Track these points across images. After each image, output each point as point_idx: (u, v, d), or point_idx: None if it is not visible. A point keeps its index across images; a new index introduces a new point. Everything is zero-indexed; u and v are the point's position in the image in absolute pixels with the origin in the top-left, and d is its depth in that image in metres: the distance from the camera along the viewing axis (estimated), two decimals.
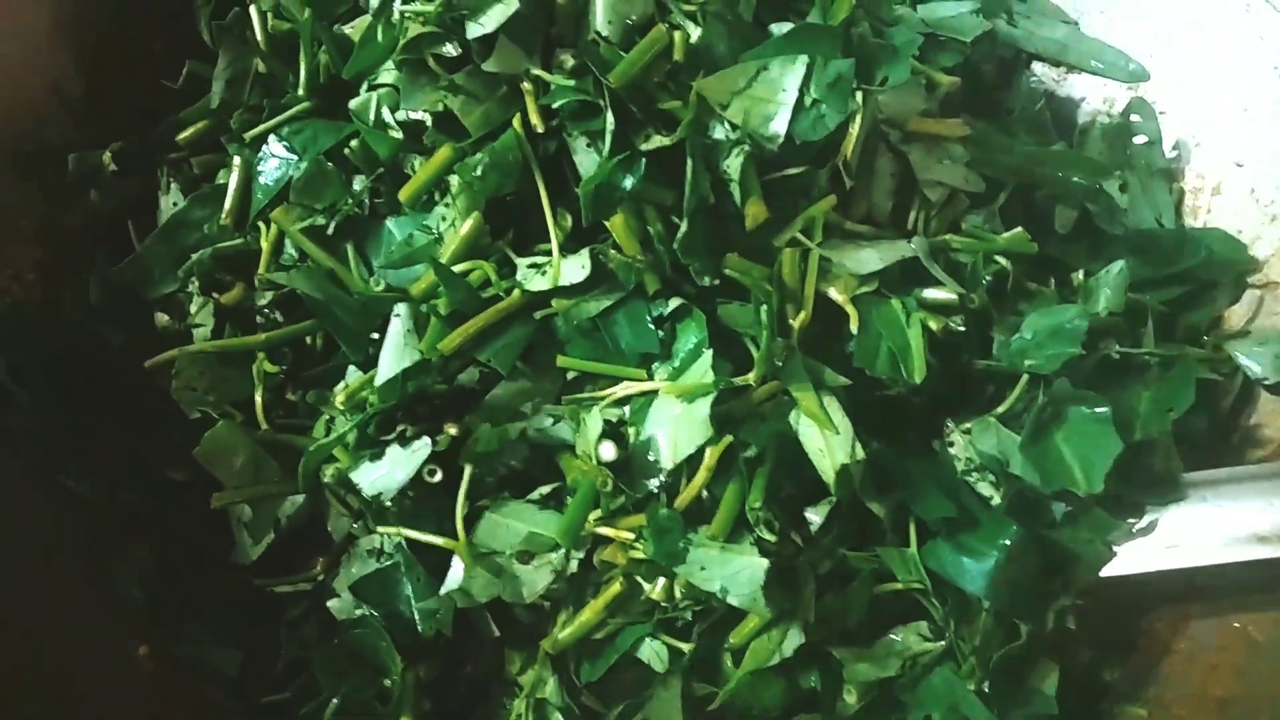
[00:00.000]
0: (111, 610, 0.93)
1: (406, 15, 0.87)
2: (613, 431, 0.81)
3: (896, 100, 0.91)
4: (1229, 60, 1.08)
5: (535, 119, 0.84)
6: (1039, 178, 1.02)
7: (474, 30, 0.82)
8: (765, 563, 0.79)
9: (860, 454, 0.79)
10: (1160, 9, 1.12)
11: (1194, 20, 1.10)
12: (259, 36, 0.99)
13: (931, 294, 0.87)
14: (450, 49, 0.84)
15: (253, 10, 0.99)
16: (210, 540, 0.96)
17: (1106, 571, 0.89)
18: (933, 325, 0.83)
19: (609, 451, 0.80)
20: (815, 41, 0.83)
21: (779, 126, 0.81)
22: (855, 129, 0.84)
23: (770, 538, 0.79)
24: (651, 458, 0.81)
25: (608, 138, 0.79)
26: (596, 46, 0.81)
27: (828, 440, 0.79)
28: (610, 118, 0.79)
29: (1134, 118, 1.12)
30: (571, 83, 0.81)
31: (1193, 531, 0.89)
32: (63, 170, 0.99)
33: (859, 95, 0.83)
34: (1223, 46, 1.08)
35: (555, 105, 0.82)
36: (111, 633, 0.93)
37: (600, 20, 0.83)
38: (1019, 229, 0.92)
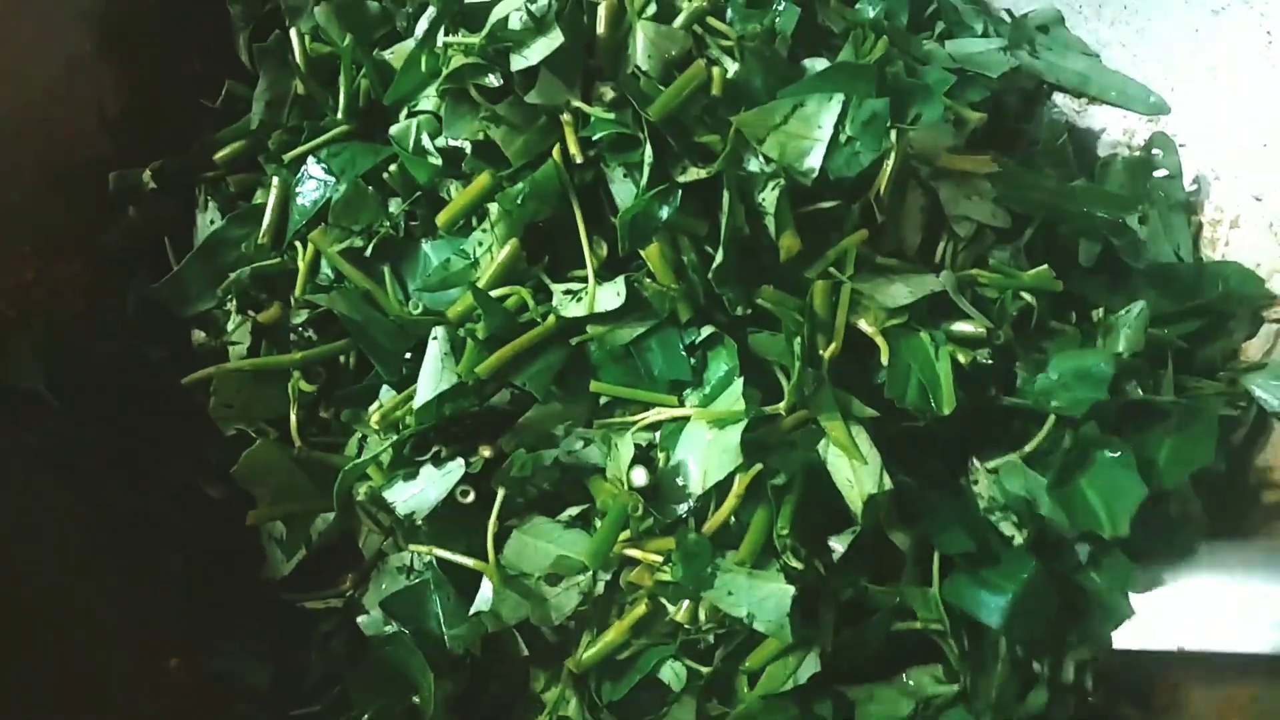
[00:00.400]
0: (144, 623, 0.95)
1: (450, 46, 0.89)
2: (643, 457, 0.83)
3: (927, 137, 0.93)
4: (1249, 95, 1.09)
5: (575, 150, 0.85)
6: (1064, 213, 1.04)
7: (518, 63, 0.83)
8: (792, 590, 0.80)
9: (888, 484, 0.80)
10: (1181, 44, 1.13)
11: (1215, 55, 1.11)
12: (299, 59, 1.00)
13: (959, 327, 0.88)
14: (493, 80, 0.86)
15: (293, 33, 1.01)
16: (241, 555, 0.97)
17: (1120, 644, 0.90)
18: (961, 358, 0.84)
19: (640, 477, 0.82)
20: (851, 80, 0.85)
21: (814, 162, 0.82)
22: (888, 166, 0.85)
23: (797, 565, 0.81)
24: (681, 482, 0.82)
25: (645, 170, 0.81)
26: (636, 81, 0.83)
27: (856, 470, 0.80)
28: (649, 150, 0.81)
29: (1155, 151, 1.13)
30: (611, 115, 0.83)
31: (1208, 610, 0.90)
32: (102, 187, 1.01)
33: (892, 134, 0.84)
34: (1243, 81, 1.10)
35: (595, 137, 0.84)
36: (144, 645, 0.94)
37: (640, 55, 0.85)
38: (1044, 266, 0.93)
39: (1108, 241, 1.06)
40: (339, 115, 0.98)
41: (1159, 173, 1.13)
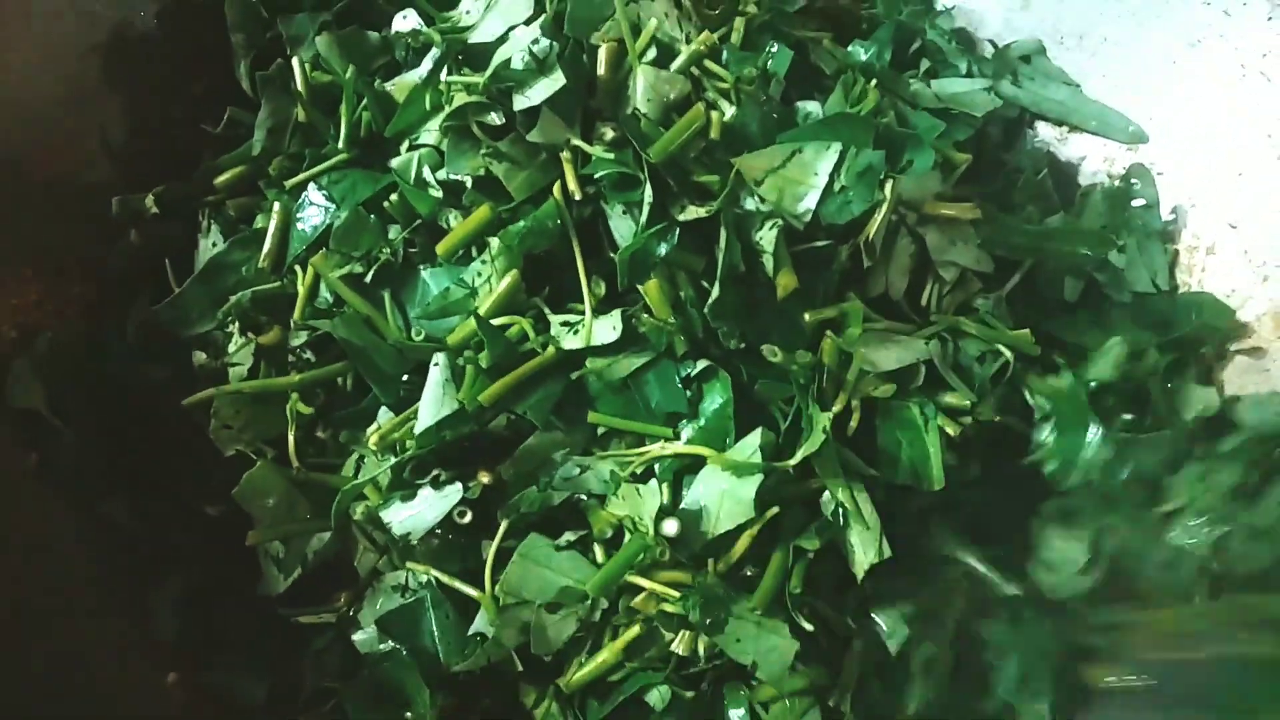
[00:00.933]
0: (143, 640, 0.96)
1: (454, 84, 0.91)
2: (669, 508, 0.85)
3: (915, 185, 0.96)
4: (1225, 126, 1.13)
5: (574, 188, 0.88)
6: (1046, 253, 1.07)
7: (520, 102, 0.86)
8: (796, 645, 0.83)
9: (886, 553, 0.83)
10: (1160, 75, 1.17)
11: (1192, 86, 1.15)
12: (300, 87, 1.02)
13: (947, 399, 0.92)
14: (495, 118, 0.88)
15: (295, 62, 1.03)
16: (239, 572, 0.99)
17: None
18: (949, 430, 0.87)
19: (671, 528, 0.83)
20: (849, 130, 0.88)
21: (808, 205, 0.86)
22: (879, 215, 0.88)
23: (808, 626, 0.84)
24: (699, 526, 0.84)
25: (645, 208, 0.83)
26: (637, 122, 0.85)
27: (859, 536, 0.83)
28: (649, 190, 0.83)
29: (1133, 181, 1.16)
30: (611, 155, 0.85)
31: None
32: (105, 212, 1.02)
33: (887, 186, 0.87)
34: (1219, 112, 1.13)
35: (596, 175, 0.86)
36: (143, 660, 0.95)
37: (640, 98, 0.87)
38: (1025, 331, 0.97)
39: (1090, 276, 1.10)
40: (340, 144, 0.99)
41: (1137, 202, 1.16)
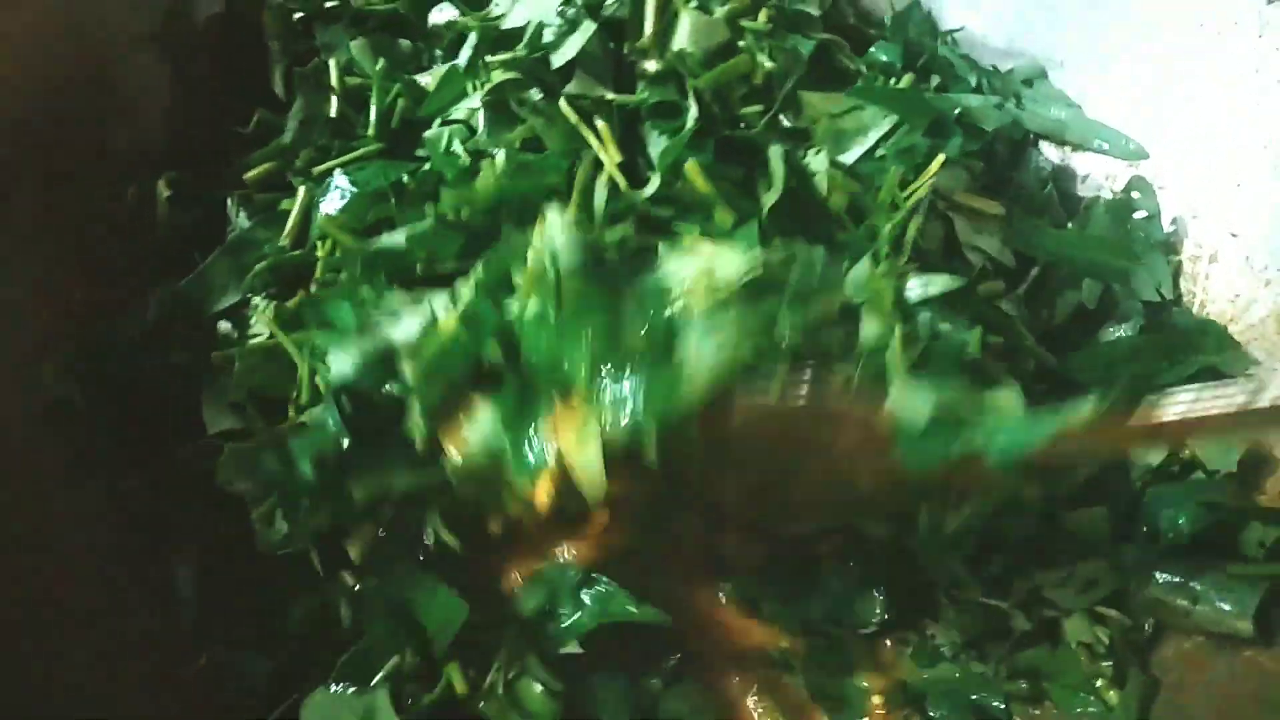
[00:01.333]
0: (159, 615, 0.96)
1: (492, 65, 0.96)
2: None
3: (948, 175, 1.00)
4: (1223, 139, 1.16)
5: (611, 152, 0.92)
6: (1067, 256, 1.10)
7: (557, 60, 0.91)
8: None
9: None
10: (1157, 93, 1.21)
11: (1189, 103, 1.18)
12: (335, 82, 1.07)
13: None
14: (534, 93, 0.94)
15: (331, 62, 1.09)
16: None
17: None
18: None
19: None
20: (908, 107, 0.94)
21: (850, 159, 0.91)
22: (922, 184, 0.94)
23: None
24: None
25: (690, 122, 0.87)
26: (683, 59, 0.90)
27: None
28: (693, 109, 0.87)
29: (1134, 194, 1.19)
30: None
31: None
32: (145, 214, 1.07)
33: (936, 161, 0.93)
34: (1216, 126, 1.17)
35: (639, 104, 0.91)
36: (160, 633, 0.96)
37: (686, 39, 0.93)
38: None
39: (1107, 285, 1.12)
40: (370, 133, 1.04)
41: (1139, 214, 1.19)
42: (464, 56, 0.99)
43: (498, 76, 0.95)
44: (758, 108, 0.94)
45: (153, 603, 0.95)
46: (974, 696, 0.95)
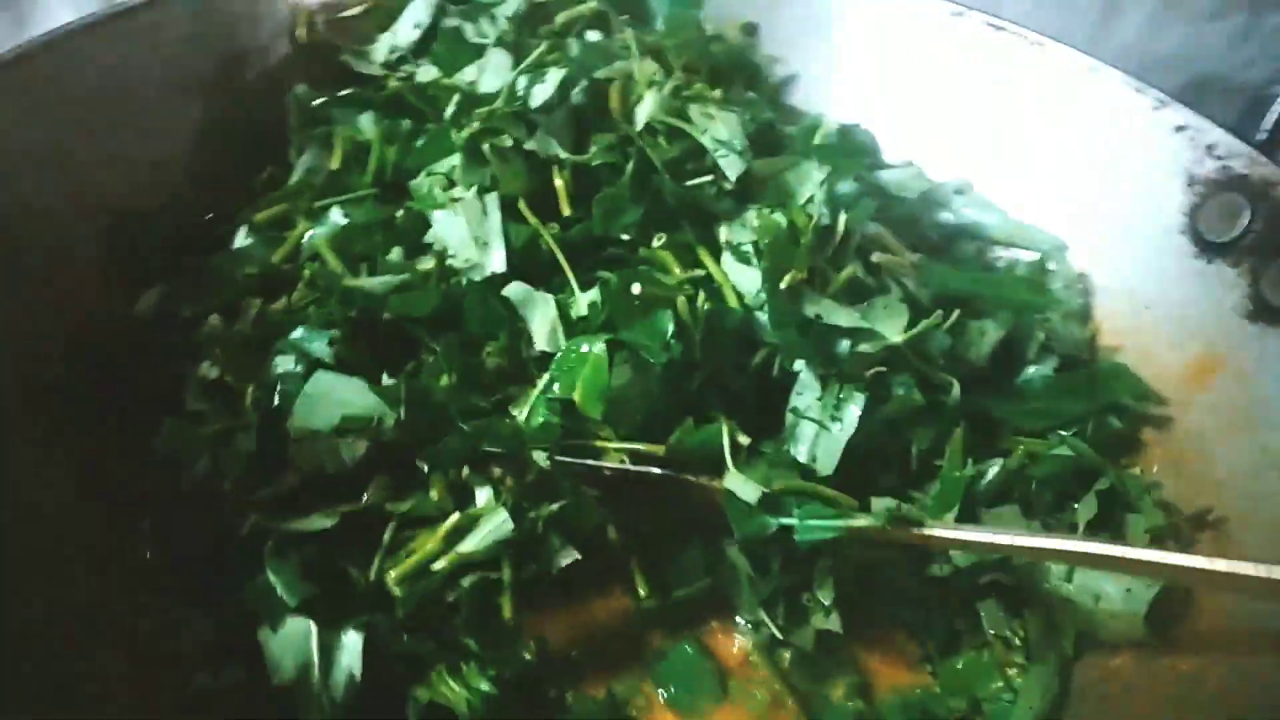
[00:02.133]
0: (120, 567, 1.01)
1: (473, 117, 1.11)
2: None
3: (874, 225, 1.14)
4: (1132, 227, 1.29)
5: (564, 205, 1.07)
6: (981, 298, 1.18)
7: (534, 101, 1.08)
8: None
9: None
10: (1074, 194, 1.35)
11: (1102, 201, 1.32)
12: (338, 141, 1.24)
13: None
14: (506, 140, 1.09)
15: (338, 131, 1.26)
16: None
17: None
18: None
19: None
20: (841, 158, 1.10)
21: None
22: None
23: None
24: None
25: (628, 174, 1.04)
26: (652, 135, 1.07)
27: None
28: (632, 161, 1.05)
29: (1050, 263, 1.31)
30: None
31: None
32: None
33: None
34: (1125, 217, 1.30)
35: (593, 164, 1.06)
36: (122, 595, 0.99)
37: (648, 114, 1.09)
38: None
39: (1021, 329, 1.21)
40: (367, 178, 1.19)
41: (1056, 284, 1.30)
42: (448, 112, 1.15)
43: (476, 126, 1.11)
44: (708, 178, 1.09)
45: (115, 556, 1.00)
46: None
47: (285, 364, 1.00)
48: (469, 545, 0.90)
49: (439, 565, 0.90)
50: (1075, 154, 1.35)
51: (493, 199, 1.05)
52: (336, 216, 1.16)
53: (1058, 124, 1.37)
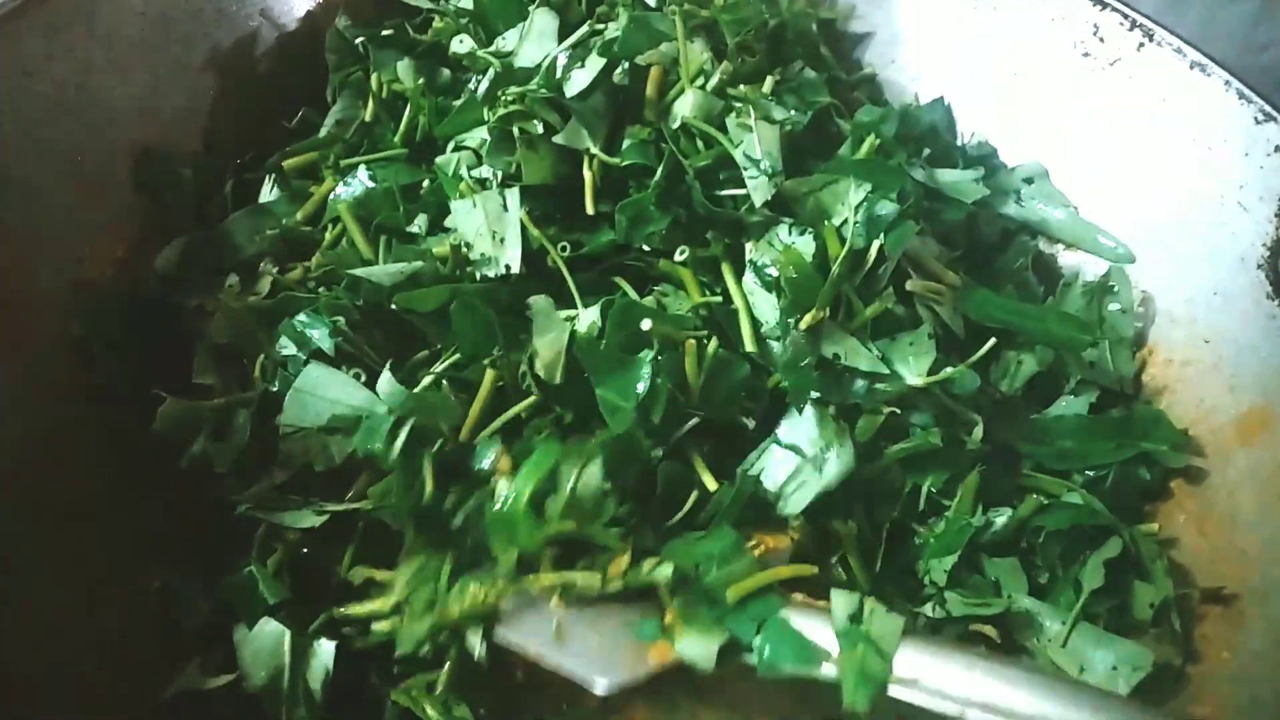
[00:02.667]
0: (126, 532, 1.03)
1: (506, 96, 1.05)
2: None
3: (917, 240, 1.05)
4: (1204, 250, 1.20)
5: (590, 204, 1.02)
6: (1022, 330, 1.11)
7: (570, 90, 1.02)
8: None
9: None
10: (1151, 201, 1.25)
11: (1177, 211, 1.23)
12: (374, 89, 1.19)
13: None
14: (535, 126, 1.03)
15: (375, 75, 1.21)
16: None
17: None
18: None
19: None
20: (879, 175, 1.01)
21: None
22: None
23: None
24: None
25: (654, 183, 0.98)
26: (690, 135, 1.01)
27: None
28: (660, 171, 0.98)
29: (1112, 284, 1.23)
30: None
31: None
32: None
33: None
34: (1200, 238, 1.20)
35: (624, 164, 1.01)
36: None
37: (690, 113, 1.02)
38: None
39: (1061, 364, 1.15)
40: (396, 140, 1.15)
41: (1113, 306, 1.22)
42: (482, 88, 1.09)
43: (508, 107, 1.04)
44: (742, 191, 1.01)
45: (122, 521, 1.03)
46: None
47: (288, 347, 0.99)
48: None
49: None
50: (1159, 157, 1.25)
51: (514, 195, 1.00)
52: (363, 177, 1.13)
53: (1145, 119, 1.26)
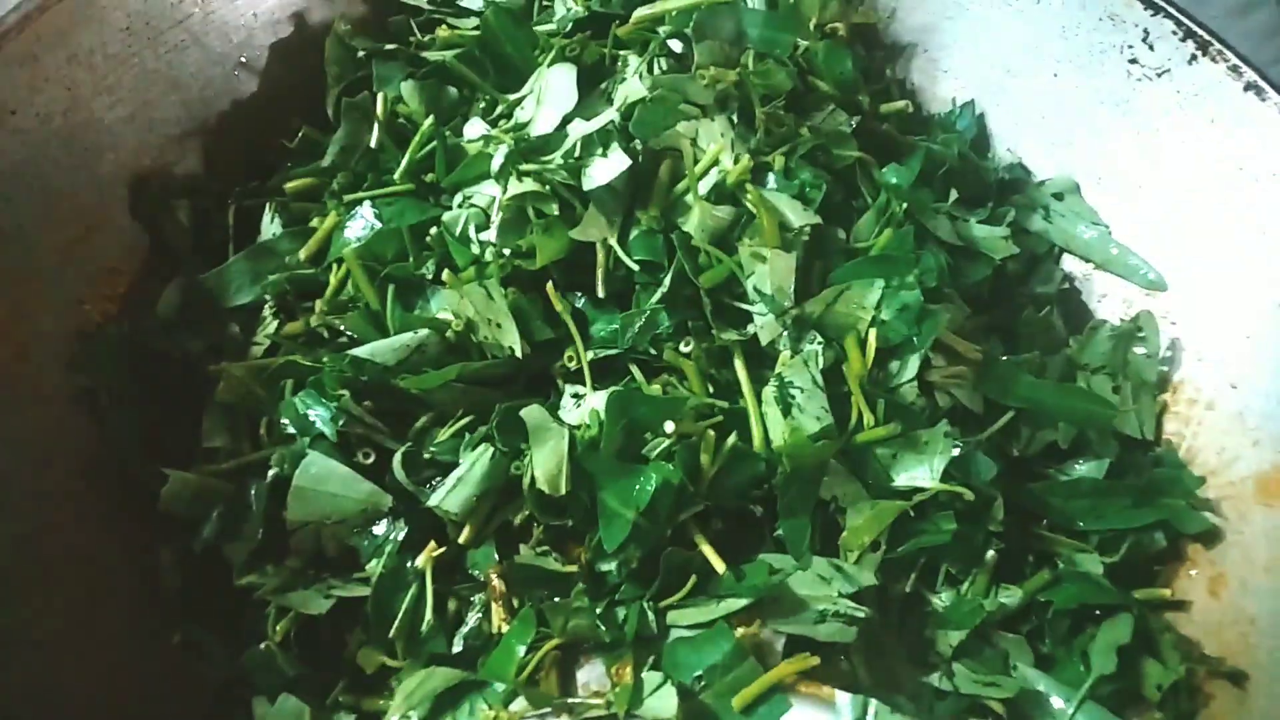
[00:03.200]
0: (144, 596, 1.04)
1: (523, 171, 1.00)
2: None
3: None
4: (1240, 288, 1.16)
5: (601, 287, 0.99)
6: (1041, 407, 1.07)
7: (587, 184, 0.97)
8: None
9: None
10: (1187, 228, 1.20)
11: (1215, 244, 1.18)
12: (380, 115, 1.14)
13: None
14: (551, 208, 0.98)
15: (380, 96, 1.15)
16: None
17: None
18: None
19: None
20: (892, 268, 0.97)
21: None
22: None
23: None
24: None
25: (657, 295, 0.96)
26: (694, 253, 0.96)
27: None
28: (665, 286, 0.96)
29: (1140, 329, 1.19)
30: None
31: None
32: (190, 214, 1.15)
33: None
34: (1236, 275, 1.16)
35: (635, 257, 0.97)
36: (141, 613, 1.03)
37: (693, 226, 0.97)
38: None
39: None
40: (396, 177, 1.10)
41: (1138, 349, 1.19)
42: (495, 165, 1.02)
43: (525, 186, 0.99)
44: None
45: (139, 578, 1.04)
46: None
47: (290, 427, 0.98)
48: None
49: None
50: (1200, 183, 1.19)
51: (494, 287, 0.97)
52: (369, 215, 1.08)
53: (1189, 140, 1.20)
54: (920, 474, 0.94)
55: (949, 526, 0.95)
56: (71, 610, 0.99)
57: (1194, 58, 1.18)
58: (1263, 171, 1.14)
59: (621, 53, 1.11)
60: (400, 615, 0.92)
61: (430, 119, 1.09)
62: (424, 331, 0.98)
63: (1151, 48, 1.21)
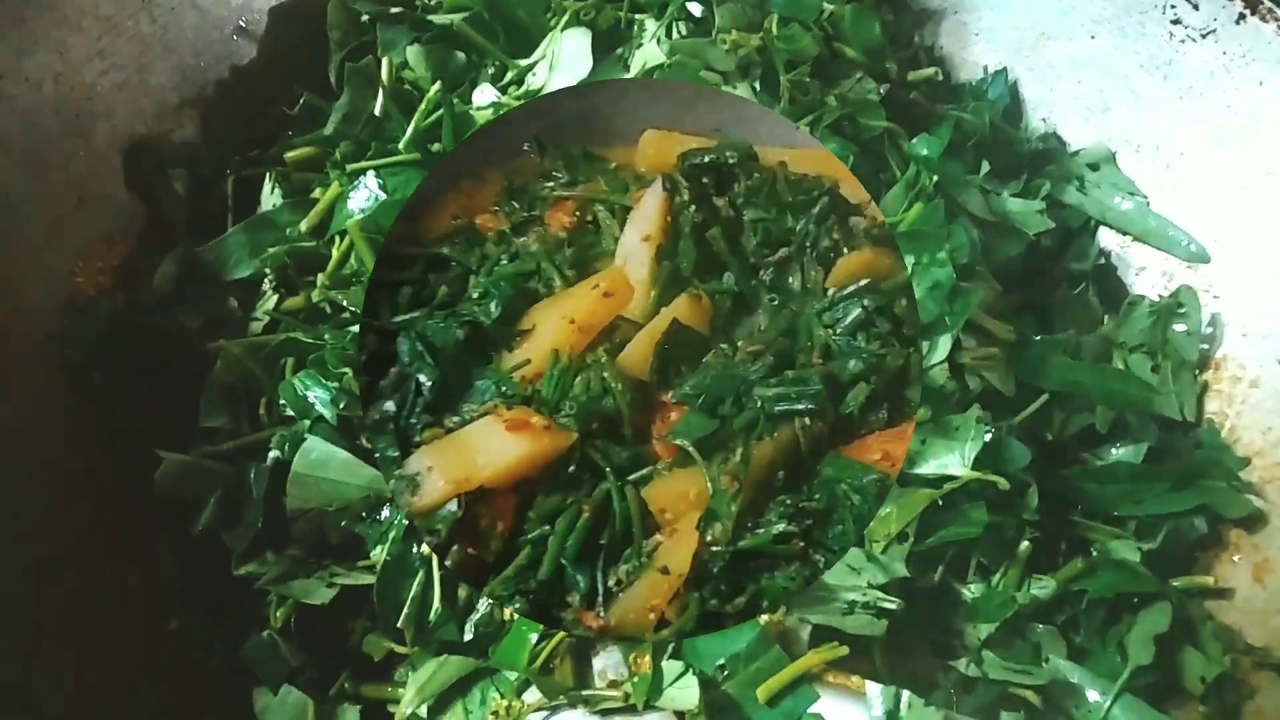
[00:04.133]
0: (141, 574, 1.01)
1: None
2: None
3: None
4: None
5: None
6: (1076, 388, 1.03)
7: None
8: None
9: None
10: (1230, 198, 1.15)
11: (1261, 215, 1.13)
12: (385, 81, 1.09)
13: None
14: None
15: (384, 61, 1.10)
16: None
17: None
18: None
19: None
20: (921, 244, 0.93)
21: None
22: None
23: None
24: None
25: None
26: None
27: None
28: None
29: (1180, 305, 1.14)
30: None
31: None
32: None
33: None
34: None
35: None
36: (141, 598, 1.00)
37: None
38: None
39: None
40: (401, 146, 1.05)
41: (1178, 326, 1.14)
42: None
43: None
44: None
45: (135, 564, 1.00)
46: None
47: (291, 401, 0.94)
48: None
49: None
50: (1246, 150, 1.14)
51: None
52: (372, 185, 1.03)
53: (1236, 104, 1.14)
54: (951, 461, 0.89)
55: (980, 518, 0.90)
56: (66, 597, 0.95)
57: (1242, 16, 1.12)
58: None
59: (638, 16, 1.06)
60: (408, 603, 0.89)
61: (437, 85, 1.05)
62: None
63: (1196, 6, 1.15)
